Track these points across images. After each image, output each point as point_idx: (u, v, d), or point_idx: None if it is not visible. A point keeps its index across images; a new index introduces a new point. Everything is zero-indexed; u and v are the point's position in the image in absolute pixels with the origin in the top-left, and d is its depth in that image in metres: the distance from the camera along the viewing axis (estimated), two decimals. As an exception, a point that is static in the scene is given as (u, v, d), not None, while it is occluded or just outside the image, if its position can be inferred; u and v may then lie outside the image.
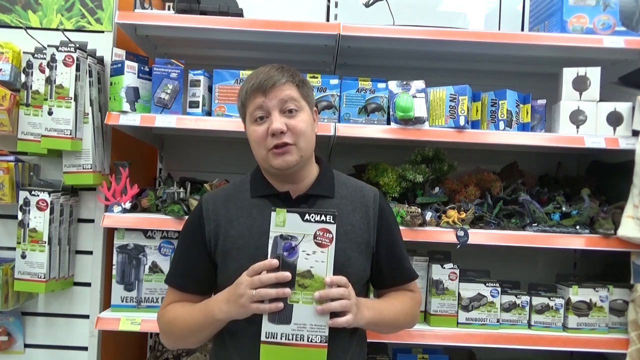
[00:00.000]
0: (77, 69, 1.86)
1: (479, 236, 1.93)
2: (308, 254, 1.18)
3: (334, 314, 1.20)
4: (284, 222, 1.17)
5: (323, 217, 1.19)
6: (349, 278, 1.32)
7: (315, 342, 1.18)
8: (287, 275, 1.17)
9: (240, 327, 1.28)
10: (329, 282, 1.19)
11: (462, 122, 1.95)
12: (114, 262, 1.97)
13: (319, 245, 1.18)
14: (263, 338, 1.17)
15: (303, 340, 1.17)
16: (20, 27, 1.94)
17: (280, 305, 1.17)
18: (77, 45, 1.86)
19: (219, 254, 1.35)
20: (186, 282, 1.40)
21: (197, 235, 1.38)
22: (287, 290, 1.17)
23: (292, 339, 1.17)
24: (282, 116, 1.32)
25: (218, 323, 1.29)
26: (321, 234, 1.18)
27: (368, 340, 1.50)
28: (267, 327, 1.17)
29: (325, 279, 1.19)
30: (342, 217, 1.38)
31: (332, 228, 1.19)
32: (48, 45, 1.86)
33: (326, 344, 1.19)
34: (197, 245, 1.38)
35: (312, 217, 1.18)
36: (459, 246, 1.92)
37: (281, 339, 1.17)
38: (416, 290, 1.52)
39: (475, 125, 2.03)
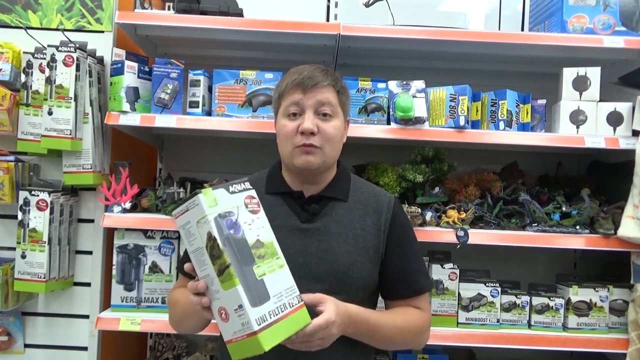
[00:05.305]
0: (77, 69, 1.86)
1: (479, 236, 1.93)
2: (249, 224, 1.14)
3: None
4: (215, 201, 1.11)
5: (242, 186, 1.17)
6: (353, 282, 1.32)
7: (295, 304, 1.14)
8: (202, 285, 1.10)
9: None
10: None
11: (462, 122, 1.95)
12: (114, 262, 1.98)
13: (253, 212, 1.16)
14: (256, 327, 1.06)
15: (287, 309, 1.12)
16: (20, 27, 1.94)
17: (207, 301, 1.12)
18: (77, 45, 1.86)
19: None
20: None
21: None
22: (205, 299, 1.10)
23: (279, 312, 1.11)
24: (316, 117, 1.33)
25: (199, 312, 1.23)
26: (249, 201, 1.17)
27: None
28: (253, 313, 1.06)
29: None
30: (353, 221, 1.38)
31: (254, 193, 1.18)
32: (48, 45, 1.87)
33: (302, 302, 1.16)
34: None
35: (235, 187, 1.16)
36: (459, 246, 1.92)
37: (271, 317, 1.10)
38: (425, 309, 1.42)
39: (475, 125, 2.03)
